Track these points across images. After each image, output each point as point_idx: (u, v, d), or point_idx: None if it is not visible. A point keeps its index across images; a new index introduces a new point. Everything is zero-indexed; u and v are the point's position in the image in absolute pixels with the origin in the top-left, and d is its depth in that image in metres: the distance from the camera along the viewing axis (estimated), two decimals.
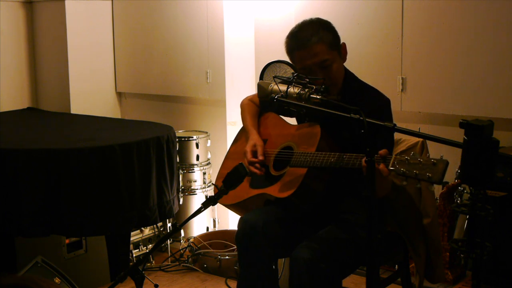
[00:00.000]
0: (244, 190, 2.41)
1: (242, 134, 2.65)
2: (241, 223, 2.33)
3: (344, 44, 2.32)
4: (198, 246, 3.70)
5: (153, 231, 3.86)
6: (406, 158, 1.83)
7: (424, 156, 1.82)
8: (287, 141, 2.40)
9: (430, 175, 1.76)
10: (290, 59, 2.34)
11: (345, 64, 2.37)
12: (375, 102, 2.28)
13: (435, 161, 1.77)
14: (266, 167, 2.42)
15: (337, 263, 2.16)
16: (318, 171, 2.22)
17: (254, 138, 2.47)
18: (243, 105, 2.65)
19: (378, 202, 1.96)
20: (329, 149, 2.21)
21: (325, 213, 2.36)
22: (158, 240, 3.79)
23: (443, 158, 1.78)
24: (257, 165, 2.36)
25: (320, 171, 2.23)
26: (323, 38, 2.24)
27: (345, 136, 2.23)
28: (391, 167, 1.86)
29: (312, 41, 2.23)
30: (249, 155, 2.39)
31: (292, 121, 2.55)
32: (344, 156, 2.07)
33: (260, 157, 2.38)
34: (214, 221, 4.08)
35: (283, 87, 2.14)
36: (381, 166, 1.88)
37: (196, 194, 3.99)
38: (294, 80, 2.14)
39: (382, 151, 1.91)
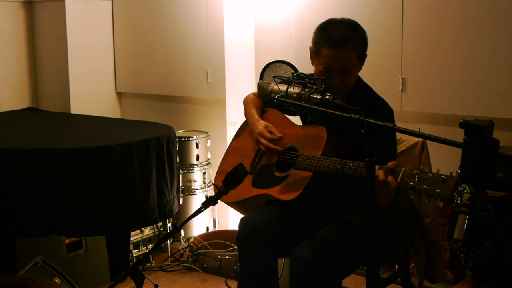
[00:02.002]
0: (246, 189, 2.40)
1: (244, 129, 2.62)
2: (242, 223, 2.33)
3: (366, 55, 2.31)
4: (198, 246, 3.70)
5: (153, 231, 3.86)
6: (416, 172, 1.82)
7: (434, 172, 1.79)
8: (291, 141, 2.38)
9: (439, 191, 1.75)
10: (314, 50, 2.26)
11: None
12: (379, 109, 2.28)
13: (445, 177, 1.75)
14: (269, 166, 2.41)
15: (337, 262, 2.15)
16: (323, 176, 2.20)
17: (263, 122, 2.44)
18: (246, 99, 2.62)
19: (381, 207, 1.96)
20: (334, 152, 2.19)
21: (326, 214, 2.35)
22: (158, 240, 3.79)
23: (453, 174, 1.76)
24: (271, 144, 2.34)
25: (325, 176, 2.21)
26: (357, 47, 2.20)
27: (348, 139, 2.23)
28: (400, 180, 1.85)
29: (347, 46, 2.17)
30: (266, 134, 2.37)
31: (295, 119, 2.54)
32: (351, 164, 2.05)
33: (278, 134, 2.36)
34: (214, 221, 4.08)
35: (283, 87, 2.14)
36: (390, 178, 1.88)
37: (196, 194, 3.99)
38: (294, 80, 2.13)
39: (391, 164, 1.90)
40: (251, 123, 2.50)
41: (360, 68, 2.30)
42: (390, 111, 2.31)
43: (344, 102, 2.19)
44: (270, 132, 2.38)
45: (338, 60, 2.18)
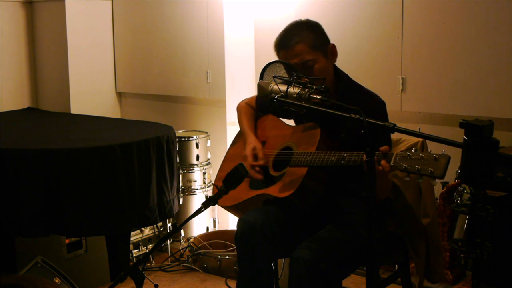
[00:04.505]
0: (243, 191, 2.41)
1: (240, 137, 2.65)
2: (240, 223, 2.33)
3: (333, 45, 2.33)
4: (198, 246, 3.70)
5: (153, 231, 3.86)
6: (408, 154, 1.83)
7: (426, 152, 1.82)
8: (286, 141, 2.40)
9: (432, 170, 1.76)
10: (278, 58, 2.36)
11: (343, 64, 2.37)
12: (369, 104, 2.28)
13: (436, 156, 1.77)
14: (265, 168, 2.42)
15: (337, 263, 2.15)
16: (318, 171, 2.22)
17: (253, 141, 2.47)
18: (239, 108, 2.66)
19: (379, 202, 1.96)
20: (328, 148, 2.21)
21: (324, 213, 2.36)
22: (158, 240, 3.79)
23: (444, 153, 1.78)
24: (257, 168, 2.38)
25: (320, 171, 2.23)
26: (305, 39, 2.27)
27: (343, 136, 2.23)
28: (393, 163, 1.86)
29: (294, 41, 2.27)
30: (250, 159, 2.40)
31: (290, 122, 2.55)
32: (345, 154, 2.07)
33: (261, 161, 2.39)
34: (214, 221, 4.08)
35: (283, 87, 2.14)
36: (383, 162, 1.88)
37: (196, 194, 3.99)
38: (294, 80, 2.14)
39: (383, 148, 1.91)
40: (244, 138, 2.54)
41: (329, 59, 2.31)
42: (382, 103, 2.32)
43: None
44: (254, 156, 2.41)
45: (292, 57, 2.27)
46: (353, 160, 2.03)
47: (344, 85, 2.34)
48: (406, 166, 1.82)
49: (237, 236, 2.32)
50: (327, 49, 2.31)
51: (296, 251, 2.16)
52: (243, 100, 2.70)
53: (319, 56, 2.28)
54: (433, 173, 1.76)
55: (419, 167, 1.79)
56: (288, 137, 2.41)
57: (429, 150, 2.51)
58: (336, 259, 2.15)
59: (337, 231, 2.26)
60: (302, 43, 2.26)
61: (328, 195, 2.30)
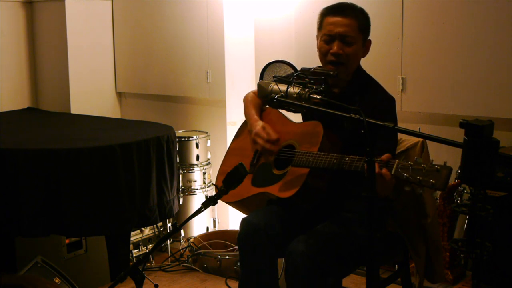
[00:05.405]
0: (245, 188, 2.40)
1: (243, 129, 2.63)
2: (243, 224, 2.32)
3: (370, 40, 2.40)
4: (198, 246, 3.70)
5: (153, 231, 3.86)
6: (410, 164, 1.82)
7: (428, 162, 1.81)
8: (288, 139, 2.40)
9: (433, 181, 1.76)
10: (318, 25, 2.38)
11: None
12: (379, 100, 2.29)
13: (438, 167, 1.76)
14: (268, 165, 2.41)
15: (334, 256, 2.15)
16: (320, 171, 2.22)
17: (261, 122, 2.46)
18: (247, 98, 2.63)
19: (379, 201, 1.96)
20: (331, 148, 2.20)
21: (326, 211, 2.36)
22: (158, 240, 3.79)
23: (446, 164, 1.77)
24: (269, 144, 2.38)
25: (322, 171, 2.22)
26: (359, 18, 2.33)
27: (345, 136, 2.23)
28: (394, 172, 1.86)
29: (348, 13, 2.32)
30: (264, 134, 2.38)
31: (296, 116, 2.54)
32: (347, 158, 2.06)
33: (275, 135, 2.38)
34: (214, 221, 4.08)
35: (283, 87, 2.14)
36: (384, 170, 1.88)
37: (196, 194, 3.99)
38: (294, 80, 2.14)
39: (385, 156, 1.91)
40: (249, 123, 2.51)
41: (363, 48, 2.37)
42: (391, 99, 2.36)
43: (344, 88, 2.15)
44: (267, 133, 2.39)
45: (339, 26, 2.30)
46: (355, 166, 2.03)
47: (359, 78, 2.37)
48: (407, 176, 1.81)
49: (240, 237, 2.31)
50: (367, 40, 2.38)
51: (292, 244, 2.15)
52: (251, 91, 2.67)
53: (359, 39, 2.34)
54: (434, 185, 1.76)
55: (421, 178, 1.78)
56: (291, 135, 2.40)
57: (428, 152, 2.52)
58: (333, 252, 2.15)
59: (333, 226, 2.26)
60: (355, 19, 2.32)
61: (329, 195, 2.30)
